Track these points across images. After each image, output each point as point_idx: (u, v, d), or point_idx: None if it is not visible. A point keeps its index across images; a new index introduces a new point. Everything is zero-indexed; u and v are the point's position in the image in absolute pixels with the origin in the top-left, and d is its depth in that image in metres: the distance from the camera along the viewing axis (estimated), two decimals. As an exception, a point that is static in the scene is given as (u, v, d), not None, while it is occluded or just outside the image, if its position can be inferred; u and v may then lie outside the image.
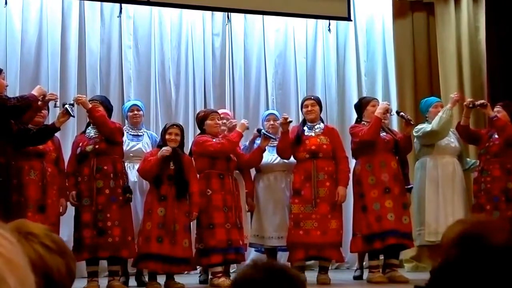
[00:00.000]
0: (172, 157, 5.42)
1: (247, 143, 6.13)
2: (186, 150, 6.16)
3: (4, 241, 0.73)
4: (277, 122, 6.00)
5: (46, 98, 5.13)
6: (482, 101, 6.26)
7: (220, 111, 6.14)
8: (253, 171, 6.15)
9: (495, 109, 6.05)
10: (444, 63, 7.57)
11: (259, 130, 5.92)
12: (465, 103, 6.08)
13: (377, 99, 6.24)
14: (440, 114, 5.98)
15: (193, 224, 6.21)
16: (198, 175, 5.66)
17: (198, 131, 6.05)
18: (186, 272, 6.34)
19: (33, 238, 1.10)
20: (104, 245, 5.22)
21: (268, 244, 5.95)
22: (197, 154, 5.63)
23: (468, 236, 0.83)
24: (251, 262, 1.35)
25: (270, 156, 5.96)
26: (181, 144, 5.59)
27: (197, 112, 6.23)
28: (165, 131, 5.54)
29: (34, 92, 5.04)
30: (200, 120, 5.76)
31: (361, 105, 6.02)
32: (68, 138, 6.41)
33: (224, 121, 5.97)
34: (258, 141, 5.98)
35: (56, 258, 1.14)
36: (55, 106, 5.36)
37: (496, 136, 5.98)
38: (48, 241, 1.14)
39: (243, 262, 6.13)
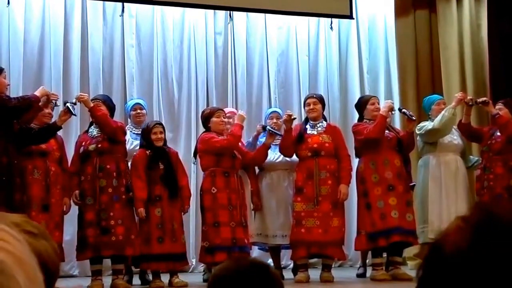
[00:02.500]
0: (160, 157, 5.45)
1: (250, 139, 6.13)
2: (183, 147, 6.18)
3: (13, 239, 0.74)
4: (280, 120, 6.00)
5: (50, 98, 5.15)
6: (484, 98, 6.25)
7: (226, 109, 6.15)
8: (256, 170, 6.15)
9: (497, 107, 6.05)
10: (446, 60, 7.57)
11: (264, 127, 5.93)
12: (465, 100, 6.08)
13: (375, 97, 6.25)
14: (443, 112, 5.99)
15: (196, 223, 6.24)
16: (203, 173, 5.68)
17: (201, 129, 6.06)
18: (190, 270, 6.37)
19: (16, 227, 1.10)
20: (108, 243, 5.23)
21: (272, 242, 5.95)
22: (203, 151, 5.64)
23: (431, 244, 0.84)
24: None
25: (273, 155, 5.96)
26: (164, 141, 5.62)
27: (202, 110, 6.23)
28: (149, 131, 5.53)
29: (37, 93, 5.06)
30: (205, 118, 5.75)
31: (361, 104, 6.03)
32: (71, 137, 6.43)
33: (231, 120, 5.97)
34: (261, 138, 5.98)
35: (42, 242, 1.15)
36: (55, 105, 5.37)
37: (498, 133, 5.98)
38: (30, 227, 1.15)
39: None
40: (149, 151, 5.47)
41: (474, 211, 0.80)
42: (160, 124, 5.70)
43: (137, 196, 5.36)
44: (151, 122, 5.86)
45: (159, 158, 5.46)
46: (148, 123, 5.76)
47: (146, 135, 5.53)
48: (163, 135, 5.56)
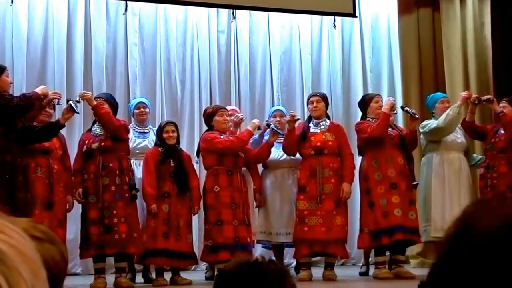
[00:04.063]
0: (171, 155, 5.49)
1: (256, 136, 6.14)
2: (186, 146, 6.20)
3: (17, 235, 0.74)
4: (284, 118, 6.01)
5: (49, 97, 5.15)
6: (488, 96, 6.25)
7: (228, 107, 6.15)
8: (260, 168, 6.16)
9: (501, 104, 6.04)
10: (450, 58, 7.56)
11: (268, 124, 5.93)
12: (470, 99, 6.07)
13: (379, 95, 6.25)
14: (447, 111, 5.98)
15: (199, 221, 6.24)
16: (206, 172, 5.69)
17: (204, 128, 6.07)
18: (192, 268, 6.38)
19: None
20: (111, 241, 5.24)
21: (276, 240, 5.95)
22: (205, 151, 5.65)
23: (459, 222, 0.84)
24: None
25: (277, 153, 5.96)
26: (177, 140, 5.66)
27: (204, 108, 6.25)
28: (161, 129, 5.60)
29: (37, 90, 5.06)
30: (208, 116, 5.76)
31: (364, 102, 6.03)
32: (74, 135, 6.44)
33: (232, 117, 5.98)
34: (267, 136, 5.99)
35: (48, 247, 1.15)
36: (58, 103, 5.38)
37: (502, 131, 5.97)
38: (36, 232, 1.14)
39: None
40: (161, 148, 5.51)
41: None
42: (172, 122, 5.75)
43: (148, 192, 5.40)
44: (163, 121, 5.93)
45: (171, 155, 5.49)
46: (161, 122, 5.83)
47: (159, 134, 5.58)
48: (175, 134, 5.60)
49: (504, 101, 6.08)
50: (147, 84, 7.21)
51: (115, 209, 5.27)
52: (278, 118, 6.07)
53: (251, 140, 6.06)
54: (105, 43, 7.08)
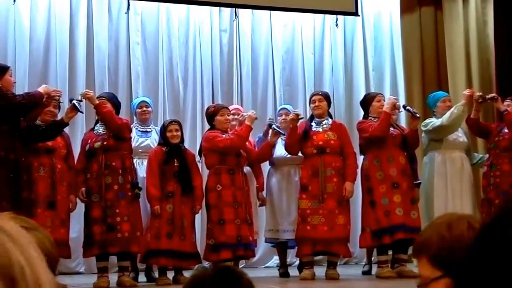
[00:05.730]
0: (176, 154, 5.48)
1: (261, 135, 6.14)
2: (188, 145, 6.21)
3: (8, 222, 0.74)
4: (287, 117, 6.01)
5: (52, 95, 5.16)
6: (492, 94, 6.24)
7: (231, 107, 6.15)
8: (267, 165, 6.16)
9: (505, 103, 6.03)
10: (452, 57, 7.56)
11: (270, 124, 5.94)
12: (475, 97, 6.06)
13: (381, 94, 6.24)
14: (452, 109, 5.97)
15: (202, 220, 6.25)
16: (208, 171, 5.69)
17: (206, 127, 6.07)
18: (195, 268, 6.37)
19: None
20: (114, 240, 5.25)
21: (282, 237, 5.95)
22: (207, 150, 5.66)
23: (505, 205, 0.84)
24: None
25: (283, 150, 5.95)
26: (181, 139, 5.65)
27: (207, 107, 6.25)
28: (164, 128, 5.59)
29: (40, 89, 5.07)
30: (210, 115, 5.77)
31: (366, 101, 6.02)
32: (77, 134, 6.45)
33: (236, 116, 5.98)
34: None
35: (37, 235, 1.16)
36: (59, 102, 5.39)
37: (506, 130, 5.96)
38: (21, 222, 1.15)
39: (252, 258, 6.16)
40: (165, 147, 5.50)
41: None
42: (176, 121, 5.73)
43: (151, 194, 5.40)
44: (167, 120, 5.92)
45: (175, 155, 5.48)
46: (165, 121, 5.82)
47: (162, 133, 5.57)
48: (179, 133, 5.59)
49: (508, 100, 6.07)
50: (149, 83, 7.21)
51: (118, 208, 5.28)
52: (283, 116, 6.08)
53: (256, 139, 6.07)
54: (107, 42, 7.09)
